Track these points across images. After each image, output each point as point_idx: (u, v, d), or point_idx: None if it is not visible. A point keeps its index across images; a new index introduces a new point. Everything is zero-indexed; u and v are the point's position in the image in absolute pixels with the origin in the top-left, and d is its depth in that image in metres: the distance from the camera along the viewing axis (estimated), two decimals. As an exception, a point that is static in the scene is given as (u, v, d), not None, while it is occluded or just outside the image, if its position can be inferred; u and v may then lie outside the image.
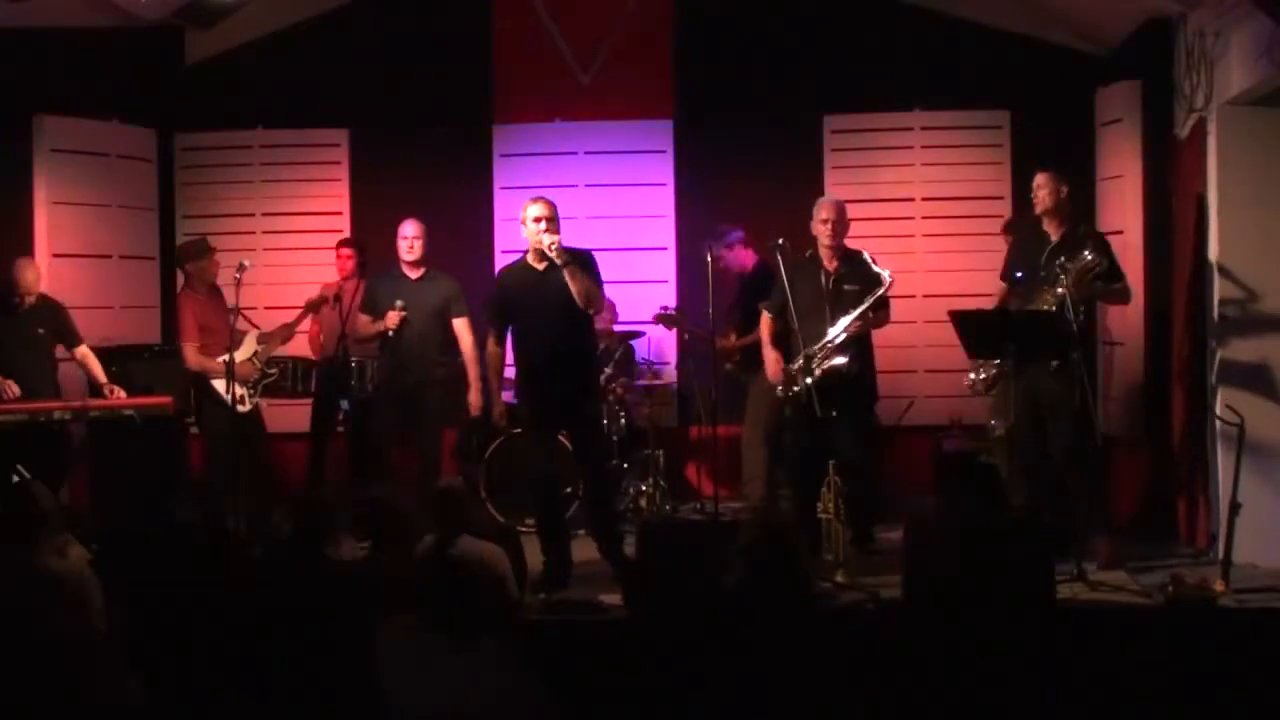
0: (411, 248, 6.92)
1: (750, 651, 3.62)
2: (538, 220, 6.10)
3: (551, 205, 6.17)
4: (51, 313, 7.01)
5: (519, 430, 7.33)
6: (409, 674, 3.84)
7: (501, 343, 6.41)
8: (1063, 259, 6.03)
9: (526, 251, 6.29)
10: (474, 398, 6.88)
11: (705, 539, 5.47)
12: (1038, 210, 6.32)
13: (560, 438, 6.57)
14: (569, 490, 6.97)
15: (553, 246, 6.03)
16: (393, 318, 6.84)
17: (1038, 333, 6.06)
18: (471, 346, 6.94)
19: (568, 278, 6.06)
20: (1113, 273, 6.21)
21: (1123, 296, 6.41)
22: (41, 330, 6.94)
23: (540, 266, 6.19)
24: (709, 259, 6.50)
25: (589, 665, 5.06)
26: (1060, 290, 5.95)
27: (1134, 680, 4.91)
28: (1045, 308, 6.03)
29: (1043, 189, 6.28)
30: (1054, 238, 6.26)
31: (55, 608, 4.19)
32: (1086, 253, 6.01)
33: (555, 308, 6.12)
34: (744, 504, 7.27)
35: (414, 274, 6.97)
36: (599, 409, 7.02)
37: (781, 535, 3.79)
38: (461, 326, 6.97)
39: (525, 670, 3.97)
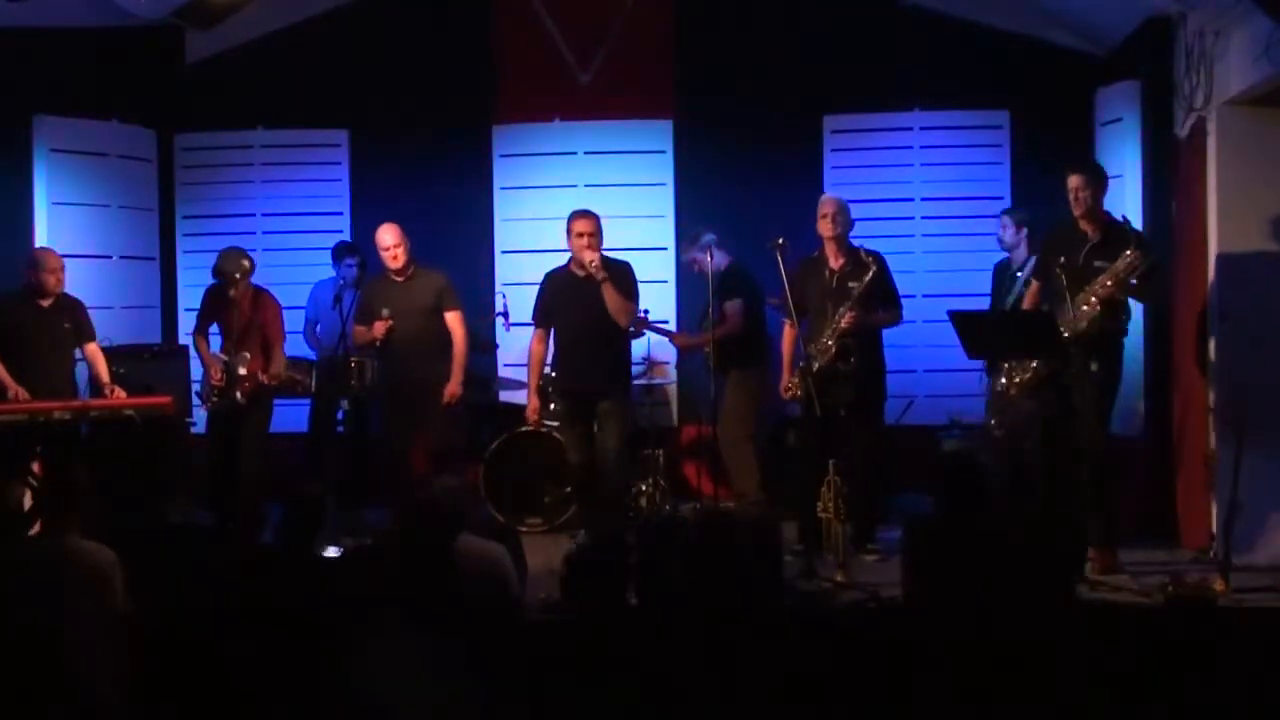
0: (395, 258, 6.91)
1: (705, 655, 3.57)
2: (580, 235, 6.50)
3: (595, 220, 6.56)
4: (72, 307, 7.02)
5: (522, 430, 7.35)
6: (387, 669, 3.73)
7: (544, 341, 6.72)
8: (1102, 261, 5.94)
9: (571, 258, 6.61)
10: (452, 386, 6.89)
11: (705, 539, 5.46)
12: (1078, 212, 6.11)
13: (556, 435, 6.55)
14: (568, 489, 6.97)
15: (593, 263, 6.42)
16: (379, 328, 6.86)
17: (1035, 334, 6.03)
18: (462, 340, 6.96)
19: (604, 293, 6.42)
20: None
21: (1156, 294, 6.17)
22: (68, 325, 6.94)
23: (581, 274, 6.53)
24: (693, 261, 6.60)
25: (589, 665, 5.05)
26: (1095, 298, 5.84)
27: (1134, 680, 4.91)
28: (1084, 308, 5.88)
29: (1085, 190, 6.07)
30: (1092, 235, 6.08)
31: (83, 589, 4.28)
32: (1129, 251, 5.84)
33: (593, 313, 6.47)
34: (738, 503, 7.17)
35: (400, 276, 6.97)
36: (628, 398, 6.92)
37: (726, 536, 3.72)
38: (453, 320, 6.98)
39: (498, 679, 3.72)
